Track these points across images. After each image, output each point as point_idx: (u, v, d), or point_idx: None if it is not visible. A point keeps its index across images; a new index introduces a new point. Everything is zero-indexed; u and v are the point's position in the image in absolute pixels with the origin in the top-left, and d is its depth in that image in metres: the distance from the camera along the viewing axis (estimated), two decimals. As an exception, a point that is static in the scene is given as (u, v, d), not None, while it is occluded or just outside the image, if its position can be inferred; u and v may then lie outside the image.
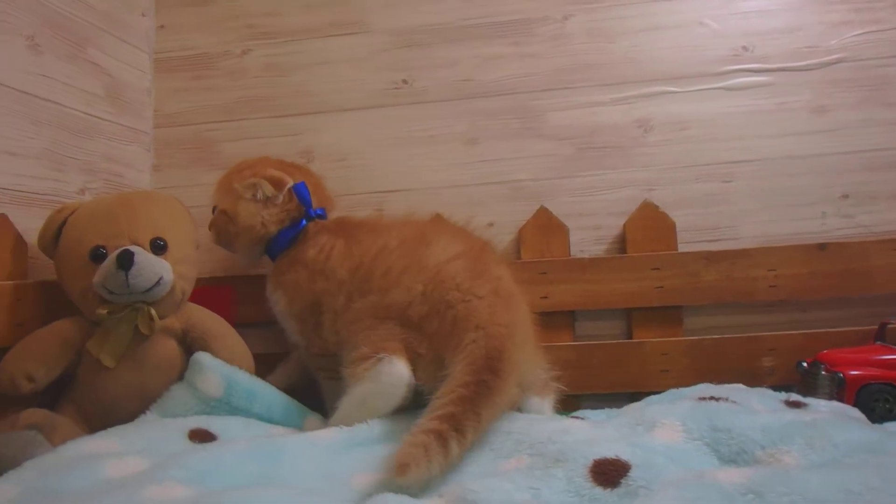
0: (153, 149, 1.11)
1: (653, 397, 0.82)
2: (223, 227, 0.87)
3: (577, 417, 0.77)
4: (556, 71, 1.04)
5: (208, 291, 0.98)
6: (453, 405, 0.63)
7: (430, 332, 0.72)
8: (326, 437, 0.66)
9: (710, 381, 0.86)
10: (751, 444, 0.60)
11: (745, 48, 1.01)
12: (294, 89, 1.09)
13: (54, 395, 0.79)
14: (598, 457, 0.55)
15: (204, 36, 1.11)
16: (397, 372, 0.69)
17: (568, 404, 0.91)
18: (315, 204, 0.89)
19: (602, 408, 0.86)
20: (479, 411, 0.63)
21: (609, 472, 0.53)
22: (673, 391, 0.82)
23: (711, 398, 0.70)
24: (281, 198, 0.86)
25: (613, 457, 0.55)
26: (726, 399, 0.70)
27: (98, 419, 0.76)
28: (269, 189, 0.85)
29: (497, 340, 0.68)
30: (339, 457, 0.64)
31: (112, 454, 0.60)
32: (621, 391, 0.96)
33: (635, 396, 0.95)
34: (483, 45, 1.06)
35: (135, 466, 0.58)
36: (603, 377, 0.96)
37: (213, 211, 0.89)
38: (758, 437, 0.61)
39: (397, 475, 0.56)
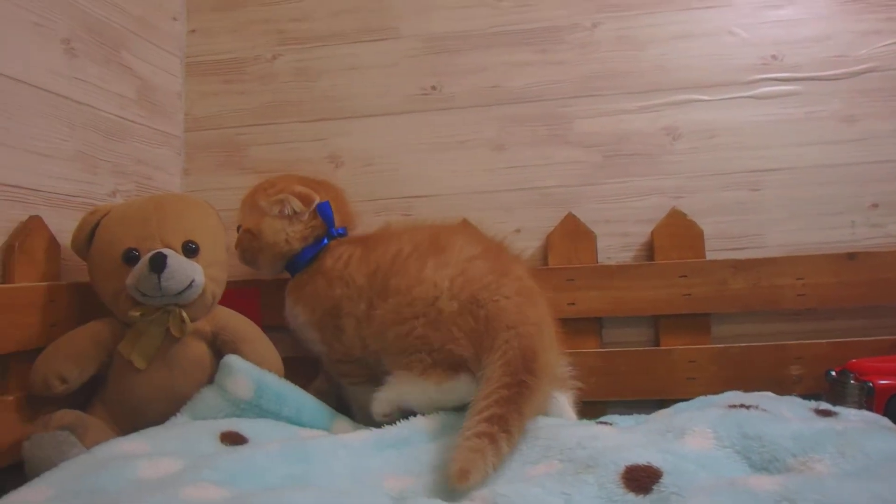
0: (183, 152, 1.13)
1: (681, 404, 0.83)
2: (248, 244, 0.90)
3: (605, 423, 0.77)
4: (585, 78, 1.05)
5: (236, 294, 1.00)
6: (498, 406, 0.65)
7: (467, 329, 0.73)
8: (357, 439, 0.68)
9: (738, 389, 0.87)
10: (782, 451, 0.60)
11: (774, 57, 1.02)
12: (323, 94, 1.11)
13: (86, 397, 0.81)
14: (629, 463, 0.55)
15: (234, 40, 1.14)
16: (466, 388, 0.71)
17: (594, 411, 0.92)
18: (338, 222, 0.91)
19: (629, 414, 0.86)
20: (522, 411, 0.66)
21: (641, 479, 0.54)
22: (701, 398, 0.83)
23: (742, 406, 0.71)
24: (307, 214, 0.88)
25: (645, 463, 0.55)
26: (756, 407, 0.71)
27: (128, 420, 0.78)
28: (297, 205, 0.87)
29: (530, 340, 0.71)
30: (370, 458, 0.65)
31: (144, 455, 0.61)
32: (648, 398, 0.97)
33: (662, 404, 0.96)
34: (512, 52, 1.07)
35: (167, 468, 0.59)
36: (630, 384, 0.97)
37: (238, 230, 0.91)
38: (789, 445, 0.61)
39: (459, 482, 0.58)
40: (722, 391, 0.86)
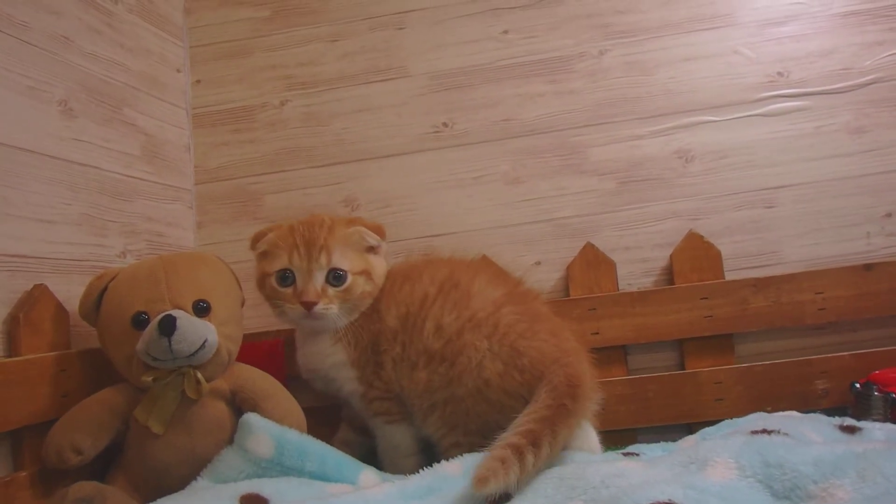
0: (195, 205, 1.18)
1: (708, 429, 0.90)
2: (364, 288, 0.87)
3: (632, 453, 0.83)
4: (595, 106, 1.11)
5: (258, 347, 1.05)
6: (534, 423, 0.72)
7: (515, 386, 0.78)
8: (379, 493, 0.71)
9: (765, 407, 0.95)
10: (803, 479, 0.64)
11: (780, 74, 1.08)
12: (334, 138, 1.16)
13: (104, 465, 0.84)
14: (650, 501, 0.59)
15: (241, 88, 1.19)
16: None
17: (624, 438, 0.99)
18: None
19: (658, 441, 0.93)
20: (556, 429, 0.72)
21: None
22: (727, 422, 0.90)
23: (764, 431, 0.75)
24: (384, 245, 0.91)
25: (667, 500, 0.59)
26: (778, 432, 0.75)
27: (149, 487, 0.80)
28: (374, 238, 0.90)
29: (574, 368, 0.79)
30: None
31: None
32: (677, 423, 1.03)
33: (692, 427, 1.03)
34: (522, 84, 1.13)
35: None
36: (658, 409, 1.03)
37: (334, 278, 0.86)
38: (810, 471, 0.64)
39: (476, 487, 0.64)
40: (749, 410, 0.93)
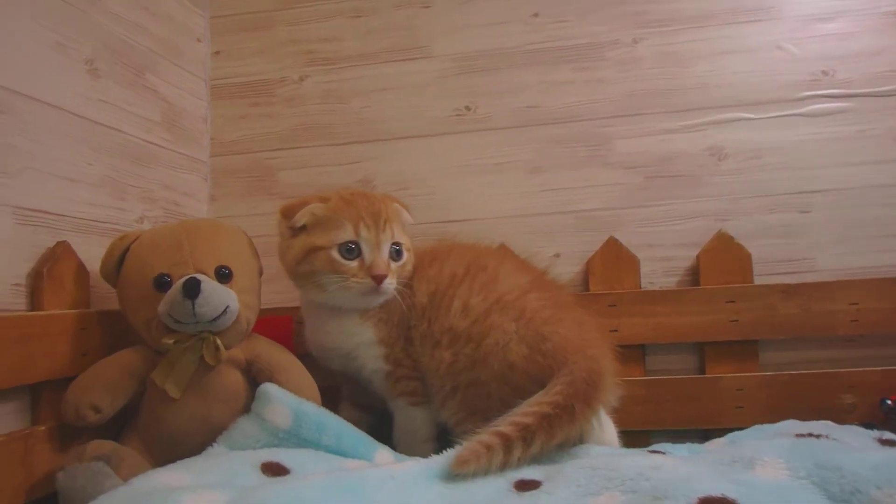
0: (210, 178, 1.18)
1: (736, 434, 0.87)
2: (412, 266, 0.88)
3: (657, 451, 0.81)
4: (625, 97, 1.09)
5: (268, 322, 1.04)
6: (532, 418, 0.71)
7: (537, 370, 0.77)
8: (404, 470, 0.70)
9: (788, 418, 0.91)
10: (865, 483, 0.61)
11: (824, 73, 1.05)
12: (353, 116, 1.16)
13: (117, 426, 0.85)
14: (702, 495, 0.57)
15: (261, 62, 1.19)
16: None
17: (637, 440, 0.96)
18: None
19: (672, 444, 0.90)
20: (554, 432, 0.72)
21: None
22: (757, 427, 0.87)
23: (810, 435, 0.73)
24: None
25: (719, 495, 0.57)
26: (826, 436, 0.73)
27: (162, 450, 0.81)
28: (408, 217, 0.90)
29: (596, 362, 0.77)
30: (420, 490, 0.67)
31: (187, 488, 0.64)
32: (693, 428, 1.00)
33: (708, 433, 1.00)
34: (549, 71, 1.12)
35: (212, 501, 0.61)
36: (674, 413, 1.00)
37: (391, 252, 0.85)
38: (870, 475, 0.61)
39: (454, 467, 0.67)
40: (771, 420, 0.90)
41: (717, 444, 0.85)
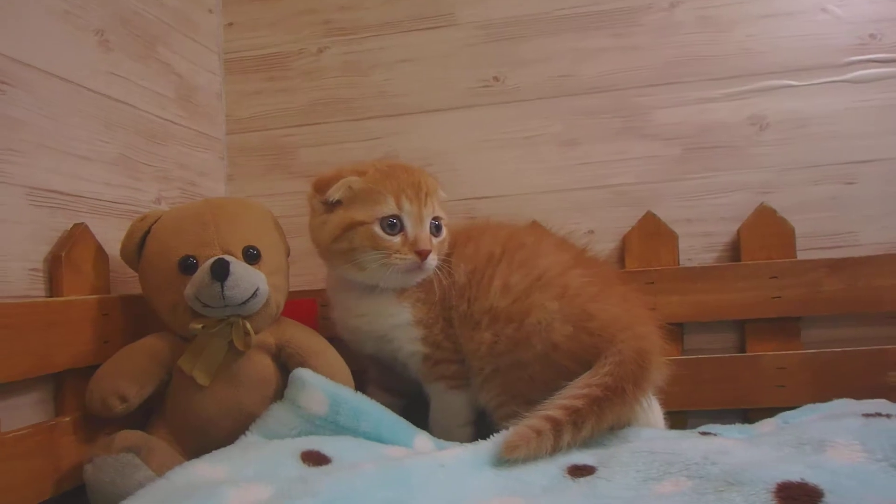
0: (226, 156, 1.14)
1: (787, 413, 0.85)
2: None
3: (708, 433, 0.78)
4: (663, 64, 1.05)
5: (292, 306, 1.01)
6: (583, 401, 0.69)
7: (581, 350, 0.74)
8: (453, 458, 0.68)
9: (831, 397, 0.88)
10: None
11: (872, 36, 1.00)
12: (375, 89, 1.11)
13: (142, 415, 0.82)
14: (780, 480, 0.54)
15: (276, 34, 1.14)
16: None
17: (675, 421, 0.93)
18: None
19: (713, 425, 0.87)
20: (605, 416, 0.70)
21: (799, 498, 0.52)
22: (810, 407, 0.85)
23: (878, 415, 0.70)
24: None
25: (798, 480, 0.54)
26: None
27: (192, 440, 0.79)
28: (442, 191, 0.86)
29: (644, 342, 0.75)
30: (470, 479, 0.65)
31: (228, 481, 0.62)
32: (733, 408, 0.98)
33: (748, 413, 0.99)
34: (581, 38, 1.07)
35: (258, 494, 0.59)
36: (713, 393, 0.98)
37: (440, 225, 0.83)
38: None
39: (504, 453, 0.65)
40: (813, 399, 0.88)
41: (768, 424, 0.82)
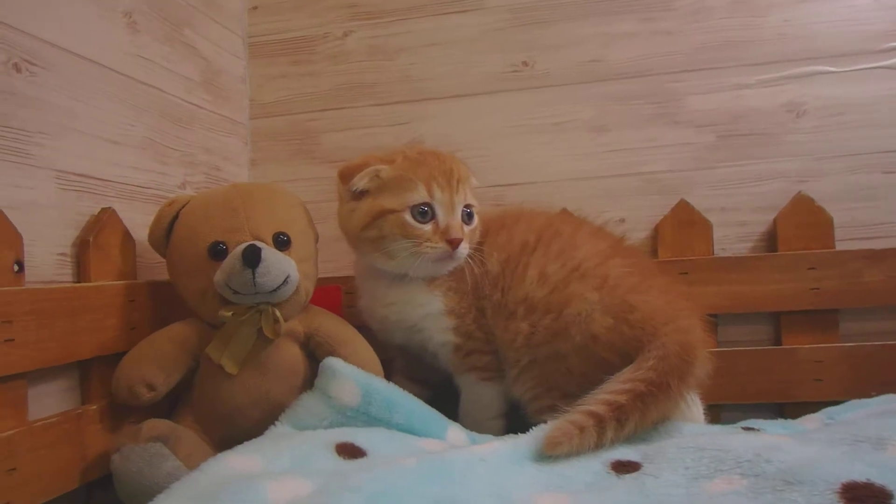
0: (250, 141, 1.12)
1: (832, 409, 0.83)
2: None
3: (751, 428, 0.77)
4: (696, 49, 1.02)
5: (316, 292, 0.99)
6: (626, 396, 0.67)
7: (621, 343, 0.72)
8: (492, 452, 0.66)
9: (869, 392, 0.86)
10: None
11: (913, 21, 0.97)
12: (401, 74, 1.09)
13: (168, 404, 0.81)
14: (845, 480, 0.52)
15: (301, 17, 1.12)
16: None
17: (708, 414, 0.90)
18: None
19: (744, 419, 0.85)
20: (648, 412, 0.68)
21: (867, 500, 0.50)
22: (855, 402, 0.82)
23: None
24: None
25: (864, 480, 0.52)
26: None
27: (219, 429, 0.77)
28: (473, 178, 0.84)
29: (688, 335, 0.72)
30: (512, 474, 0.63)
31: (265, 474, 0.60)
32: (768, 402, 0.96)
33: (783, 407, 0.96)
34: (611, 22, 1.04)
35: (297, 489, 0.57)
36: (748, 386, 0.95)
37: (465, 215, 0.80)
38: None
39: (547, 449, 0.64)
40: (851, 394, 0.86)
41: (812, 420, 0.80)
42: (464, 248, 0.77)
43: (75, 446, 0.72)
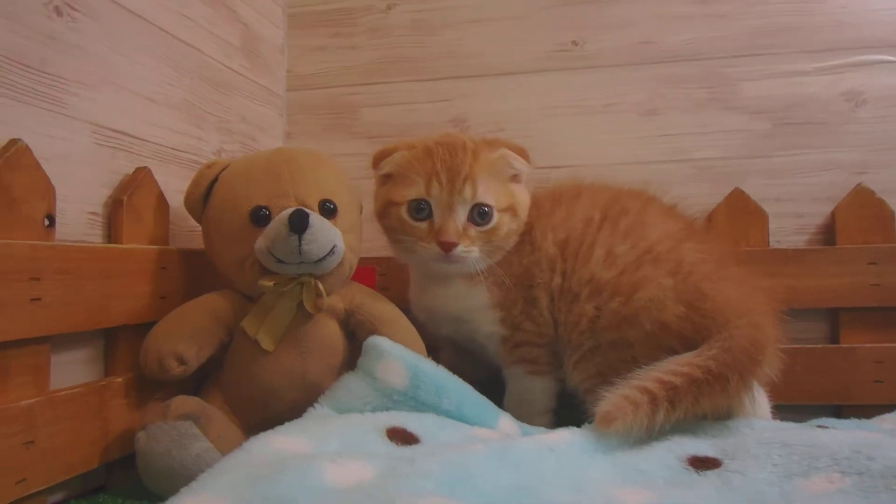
0: (286, 113, 1.07)
1: None
2: (510, 227, 0.75)
3: (823, 426, 0.70)
4: (751, 34, 0.98)
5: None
6: (681, 378, 0.63)
7: (691, 331, 0.67)
8: (560, 442, 0.61)
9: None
10: None
11: (976, 10, 0.94)
12: (445, 50, 1.05)
13: (194, 382, 0.75)
14: None
15: None
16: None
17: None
18: None
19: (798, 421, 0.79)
20: (700, 400, 0.63)
21: None
22: None
23: None
24: (527, 172, 0.78)
25: None
26: None
27: (250, 410, 0.71)
28: (521, 163, 0.77)
29: (760, 331, 0.67)
30: (585, 466, 0.59)
31: (320, 455, 0.54)
32: (824, 403, 0.90)
33: (840, 410, 0.91)
34: (665, 3, 1.00)
35: (359, 472, 0.51)
36: (804, 386, 0.90)
37: (478, 213, 0.74)
38: None
39: (601, 425, 0.60)
40: None
41: (889, 420, 0.75)
42: (465, 252, 0.71)
43: (97, 421, 0.66)
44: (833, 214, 0.94)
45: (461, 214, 0.72)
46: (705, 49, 0.99)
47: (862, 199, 0.93)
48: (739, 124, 0.98)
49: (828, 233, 0.95)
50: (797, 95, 0.97)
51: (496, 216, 0.73)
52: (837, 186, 0.94)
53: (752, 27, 0.98)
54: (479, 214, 0.73)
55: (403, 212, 0.72)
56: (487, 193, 0.73)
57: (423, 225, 0.72)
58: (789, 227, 0.96)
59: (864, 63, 0.96)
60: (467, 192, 0.71)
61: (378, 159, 0.76)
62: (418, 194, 0.72)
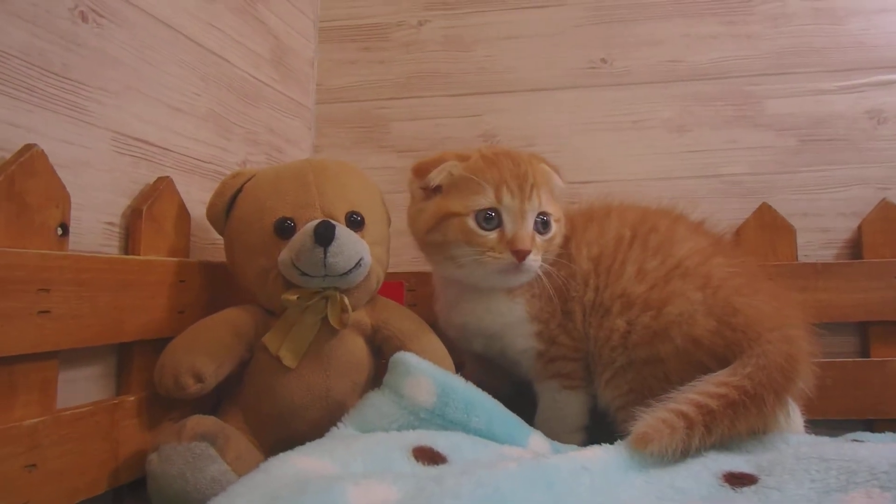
0: (314, 126, 0.99)
1: None
2: (560, 239, 0.72)
3: (858, 440, 0.66)
4: (777, 53, 0.92)
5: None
6: (717, 401, 0.59)
7: (722, 346, 0.63)
8: (594, 460, 0.56)
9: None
10: None
11: None
12: (476, 65, 0.98)
13: (210, 401, 0.67)
14: None
15: (375, 4, 1.00)
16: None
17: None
18: None
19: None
20: (738, 424, 0.60)
21: None
22: None
23: None
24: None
25: None
26: None
27: (270, 429, 0.64)
28: (559, 181, 0.72)
29: (793, 346, 0.63)
30: (619, 485, 0.54)
31: (341, 476, 0.48)
32: (856, 418, 0.82)
33: (872, 424, 0.83)
34: (693, 23, 0.94)
35: (384, 494, 0.46)
36: (834, 401, 0.82)
37: (547, 221, 0.70)
38: None
39: (637, 445, 0.57)
40: None
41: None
42: (533, 260, 0.66)
43: (107, 442, 0.58)
44: (860, 229, 0.87)
45: (529, 223, 0.67)
46: (732, 68, 0.92)
47: (887, 214, 0.86)
48: (766, 141, 0.92)
49: (854, 247, 0.87)
50: (822, 113, 0.91)
51: (554, 226, 0.68)
52: (863, 201, 0.88)
53: (777, 47, 0.92)
54: (543, 224, 0.68)
55: (470, 222, 0.66)
56: (549, 202, 0.68)
57: (493, 234, 0.66)
58: (817, 242, 0.89)
59: (885, 82, 0.89)
60: (535, 200, 0.67)
61: (423, 171, 0.68)
62: (489, 203, 0.66)
